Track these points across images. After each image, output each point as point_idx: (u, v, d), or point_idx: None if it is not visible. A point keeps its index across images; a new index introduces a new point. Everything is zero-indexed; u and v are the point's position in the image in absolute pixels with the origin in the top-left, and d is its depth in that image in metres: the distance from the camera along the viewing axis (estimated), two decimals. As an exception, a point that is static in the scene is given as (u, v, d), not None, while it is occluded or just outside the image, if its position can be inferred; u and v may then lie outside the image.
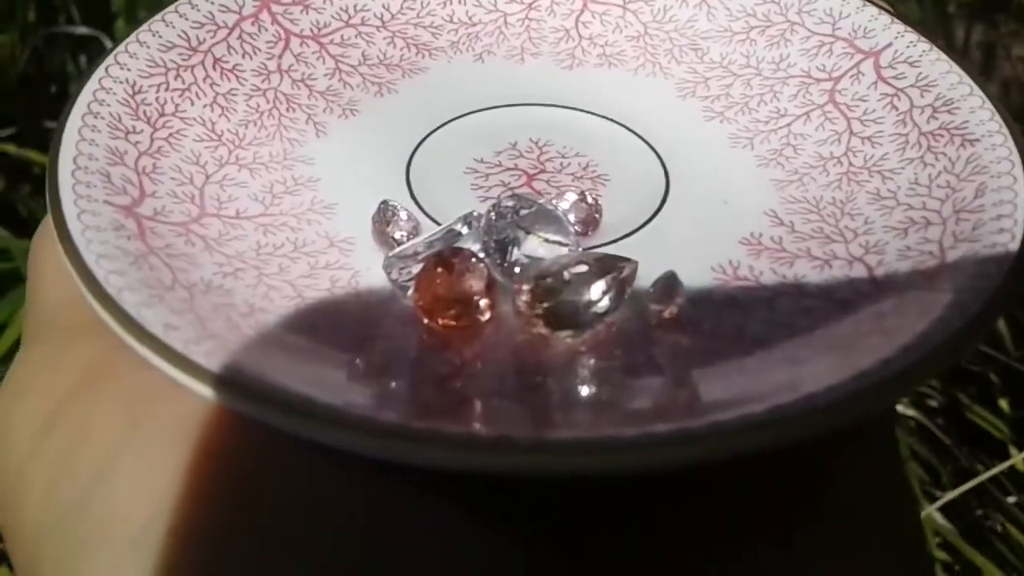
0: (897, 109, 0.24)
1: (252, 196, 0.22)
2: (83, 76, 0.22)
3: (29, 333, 0.18)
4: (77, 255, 0.17)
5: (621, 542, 0.16)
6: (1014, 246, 0.18)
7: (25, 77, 0.73)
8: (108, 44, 0.72)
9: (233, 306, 0.18)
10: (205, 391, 0.15)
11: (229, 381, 0.15)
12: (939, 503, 0.48)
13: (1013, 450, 0.52)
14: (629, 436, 0.15)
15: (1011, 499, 0.51)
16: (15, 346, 0.56)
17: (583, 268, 0.19)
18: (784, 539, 0.17)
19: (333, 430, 0.15)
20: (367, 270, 0.21)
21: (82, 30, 0.73)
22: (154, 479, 0.15)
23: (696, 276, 0.21)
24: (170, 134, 0.22)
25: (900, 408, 0.53)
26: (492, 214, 0.20)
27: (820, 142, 0.24)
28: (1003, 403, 0.56)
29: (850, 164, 0.23)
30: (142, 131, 0.22)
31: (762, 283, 0.20)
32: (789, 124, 0.25)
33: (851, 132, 0.24)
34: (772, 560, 0.17)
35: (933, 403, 0.56)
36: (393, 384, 0.18)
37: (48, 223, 0.19)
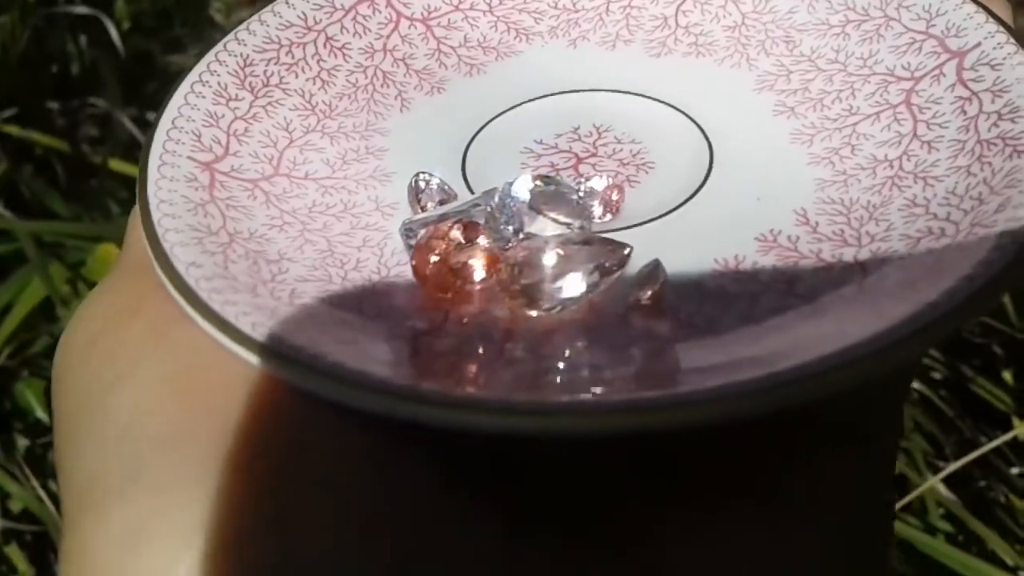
0: (965, 114, 0.23)
1: (325, 161, 0.25)
2: (202, 51, 0.26)
3: (111, 270, 0.22)
4: (144, 199, 0.21)
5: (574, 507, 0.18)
6: (992, 270, 0.17)
7: (26, 57, 0.74)
8: (108, 24, 0.74)
9: (264, 253, 0.21)
10: (205, 326, 0.18)
11: (223, 320, 0.18)
12: (942, 474, 0.46)
13: (1016, 421, 0.51)
14: (551, 402, 0.16)
15: (1014, 470, 0.50)
16: (22, 325, 0.57)
17: (570, 250, 0.20)
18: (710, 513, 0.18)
19: (280, 364, 0.17)
20: (399, 235, 0.23)
21: (82, 10, 0.74)
22: (144, 394, 0.18)
23: (695, 267, 0.21)
24: (269, 103, 0.26)
25: (905, 380, 0.52)
26: (507, 191, 0.22)
27: (880, 143, 0.23)
28: (1006, 375, 0.55)
29: (900, 168, 0.22)
30: (243, 99, 0.25)
31: (758, 279, 0.21)
32: (856, 124, 0.24)
33: (914, 135, 0.23)
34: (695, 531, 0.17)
35: (936, 375, 0.54)
36: (371, 334, 0.20)
37: None
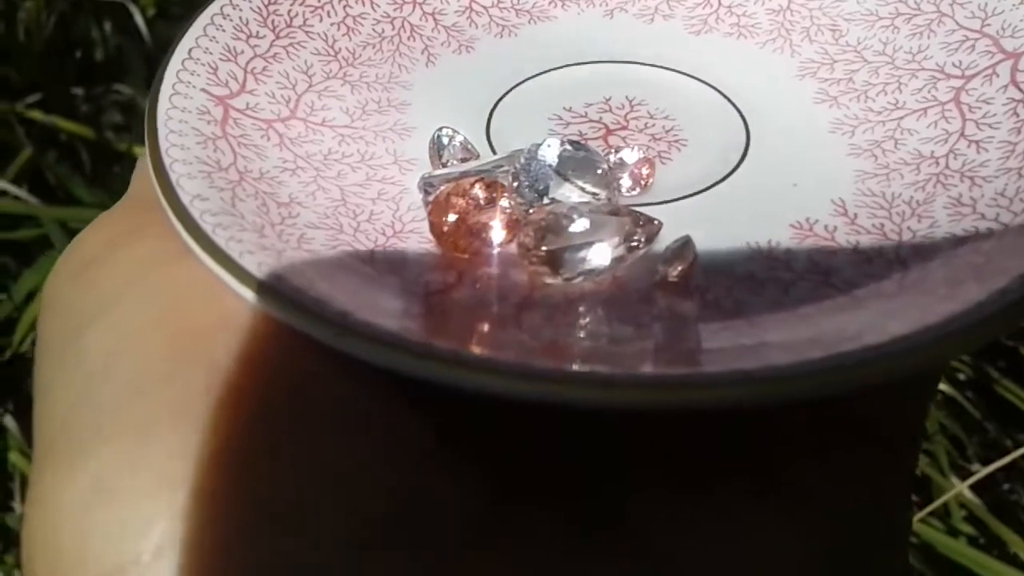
0: (1018, 116, 0.22)
1: (343, 109, 0.24)
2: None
3: (121, 201, 0.21)
4: (152, 128, 0.20)
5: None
6: None
7: (51, 43, 0.73)
8: (133, 10, 0.73)
9: (275, 195, 0.20)
10: (208, 261, 0.17)
11: (227, 256, 0.17)
12: (970, 480, 0.45)
13: (1042, 423, 0.48)
14: (537, 368, 0.15)
15: (1039, 473, 0.48)
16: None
17: (598, 220, 0.19)
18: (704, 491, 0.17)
19: (284, 307, 0.16)
20: (417, 190, 0.22)
21: None
22: (125, 331, 0.17)
23: (726, 249, 0.20)
24: (290, 44, 0.25)
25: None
26: (535, 153, 0.21)
27: (926, 140, 0.22)
28: (1033, 377, 0.52)
29: (946, 166, 0.21)
30: (264, 36, 0.24)
31: (792, 267, 0.20)
32: (901, 118, 0.23)
33: (962, 134, 0.22)
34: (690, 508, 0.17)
35: (962, 376, 0.53)
36: (381, 286, 0.19)
37: None
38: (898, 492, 0.19)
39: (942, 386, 0.53)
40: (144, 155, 0.22)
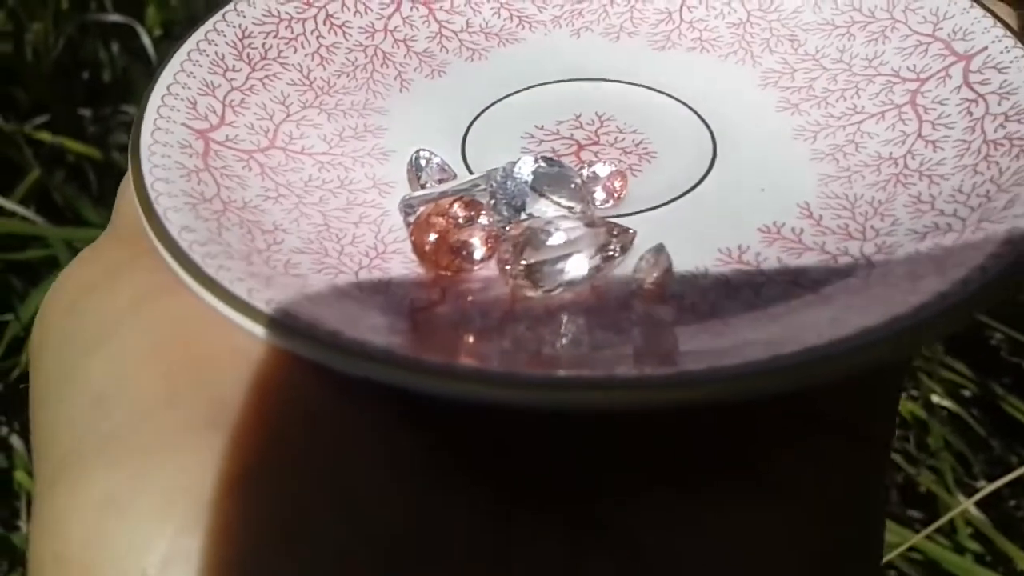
0: (971, 115, 0.22)
1: (322, 137, 0.25)
2: (200, 20, 0.25)
3: (105, 233, 0.22)
4: (137, 164, 0.21)
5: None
6: (1003, 263, 0.17)
7: (58, 65, 0.74)
8: (140, 31, 0.74)
9: (259, 223, 0.21)
10: (199, 290, 0.18)
11: (218, 285, 0.18)
12: (976, 497, 0.45)
13: (1048, 440, 0.49)
14: (525, 375, 0.16)
15: (1045, 490, 0.48)
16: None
17: (574, 232, 0.20)
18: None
19: (278, 330, 0.17)
20: (397, 212, 0.22)
21: (115, 18, 0.74)
22: (125, 360, 0.18)
23: (699, 256, 0.21)
24: (266, 75, 0.25)
25: (935, 398, 0.52)
26: (510, 171, 0.21)
27: (885, 142, 0.23)
28: (1037, 393, 0.52)
29: (905, 166, 0.22)
30: (240, 70, 0.25)
31: (761, 269, 0.20)
32: (860, 122, 0.24)
33: (919, 135, 0.23)
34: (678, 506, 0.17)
35: (967, 392, 0.53)
36: (368, 306, 0.19)
37: None
38: (873, 479, 0.20)
39: (947, 403, 0.53)
40: (125, 189, 0.22)
